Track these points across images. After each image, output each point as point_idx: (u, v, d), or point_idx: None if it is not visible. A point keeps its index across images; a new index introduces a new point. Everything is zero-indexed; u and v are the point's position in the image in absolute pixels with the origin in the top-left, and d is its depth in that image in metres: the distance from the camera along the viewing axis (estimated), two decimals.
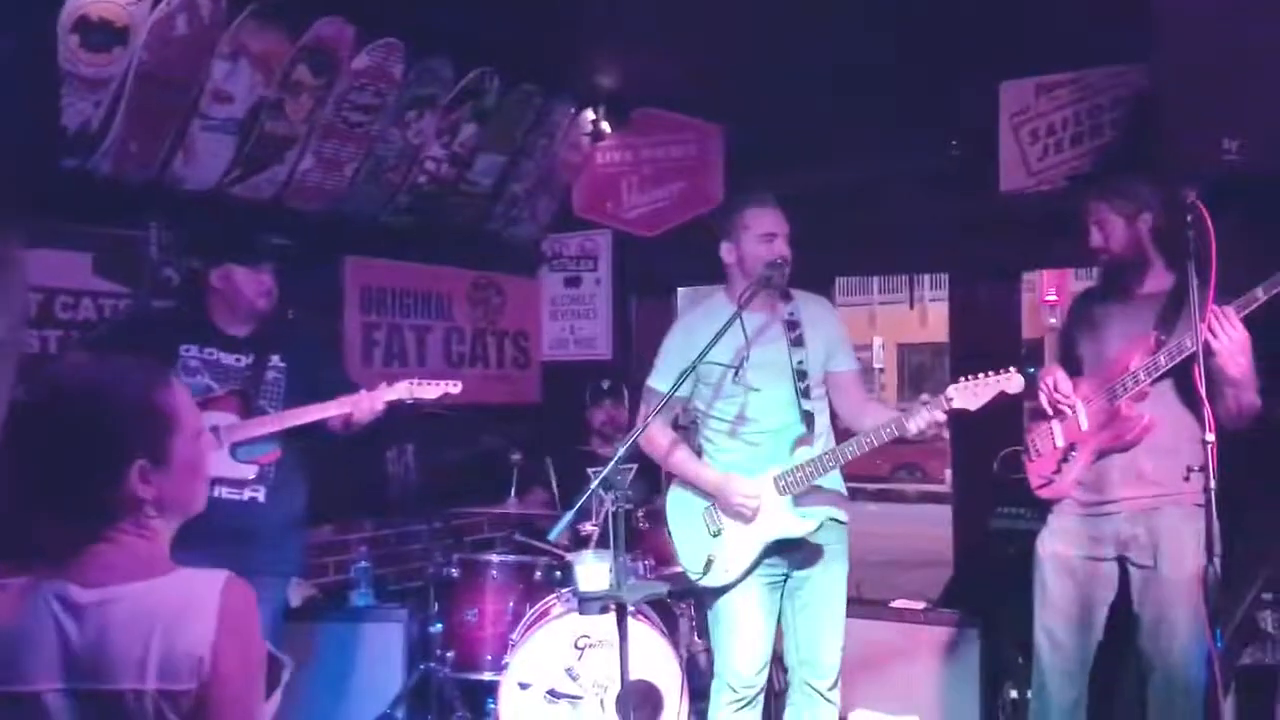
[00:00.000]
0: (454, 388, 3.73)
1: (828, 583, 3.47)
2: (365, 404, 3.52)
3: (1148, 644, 3.32)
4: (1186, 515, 3.25)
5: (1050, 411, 3.49)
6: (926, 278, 22.63)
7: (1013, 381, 3.14)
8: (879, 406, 3.47)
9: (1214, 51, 3.72)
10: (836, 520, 3.47)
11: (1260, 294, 3.04)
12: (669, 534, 3.54)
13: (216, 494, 3.38)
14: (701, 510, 3.46)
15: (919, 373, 24.54)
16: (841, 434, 3.51)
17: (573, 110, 5.74)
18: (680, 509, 3.53)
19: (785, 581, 3.48)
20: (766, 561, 3.41)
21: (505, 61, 5.09)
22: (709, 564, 3.39)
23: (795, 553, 3.43)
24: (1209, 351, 2.99)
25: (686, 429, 3.78)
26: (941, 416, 3.14)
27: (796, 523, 3.35)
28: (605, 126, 5.85)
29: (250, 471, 3.45)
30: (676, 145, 5.86)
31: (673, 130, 5.87)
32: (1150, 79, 4.27)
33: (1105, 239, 3.38)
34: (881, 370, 24.73)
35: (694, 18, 4.41)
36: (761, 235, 3.40)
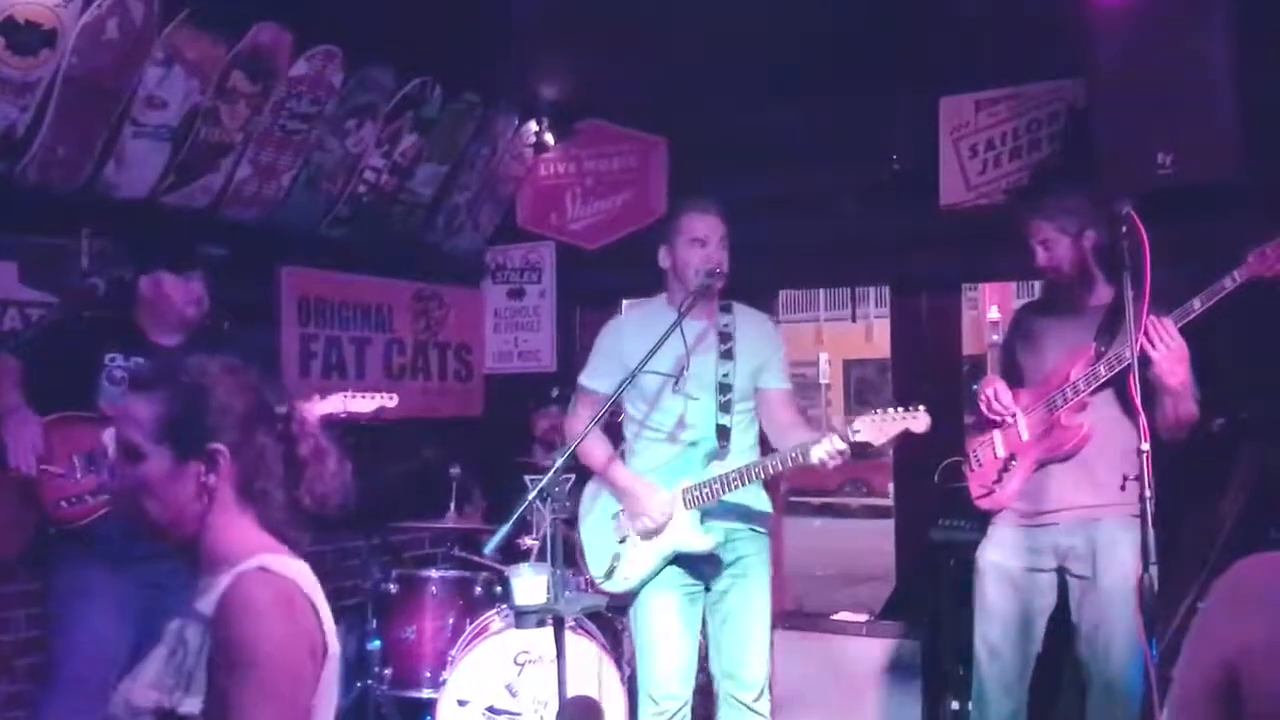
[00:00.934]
0: (389, 401, 3.68)
1: (747, 595, 3.45)
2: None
3: (1086, 653, 3.34)
4: (1124, 525, 3.27)
5: (990, 422, 3.51)
6: (872, 295, 22.88)
7: (919, 421, 3.10)
8: (805, 430, 3.41)
9: (1147, 66, 3.78)
10: (755, 530, 3.46)
11: (1197, 305, 3.09)
12: (579, 533, 3.54)
13: None
14: (611, 515, 3.46)
15: (864, 388, 24.69)
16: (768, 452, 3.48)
17: (515, 121, 5.71)
18: (593, 511, 3.53)
19: (705, 594, 3.46)
20: (680, 572, 3.40)
21: (447, 71, 5.05)
22: (611, 569, 3.41)
23: (709, 563, 3.41)
24: (1147, 361, 3.03)
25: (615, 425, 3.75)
26: (843, 447, 3.10)
27: (697, 537, 3.35)
28: (549, 138, 5.82)
29: None
30: (619, 157, 5.84)
31: (616, 142, 5.85)
32: (1086, 94, 4.32)
33: (1051, 258, 3.39)
34: (828, 386, 24.88)
35: (636, 29, 4.40)
36: (692, 239, 3.38)
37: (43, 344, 3.48)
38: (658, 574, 3.38)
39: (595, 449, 3.44)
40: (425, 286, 5.85)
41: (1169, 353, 3.04)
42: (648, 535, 3.35)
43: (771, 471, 3.27)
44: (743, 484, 3.29)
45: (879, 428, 3.11)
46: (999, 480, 3.49)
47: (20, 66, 3.69)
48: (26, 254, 4.05)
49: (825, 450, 3.10)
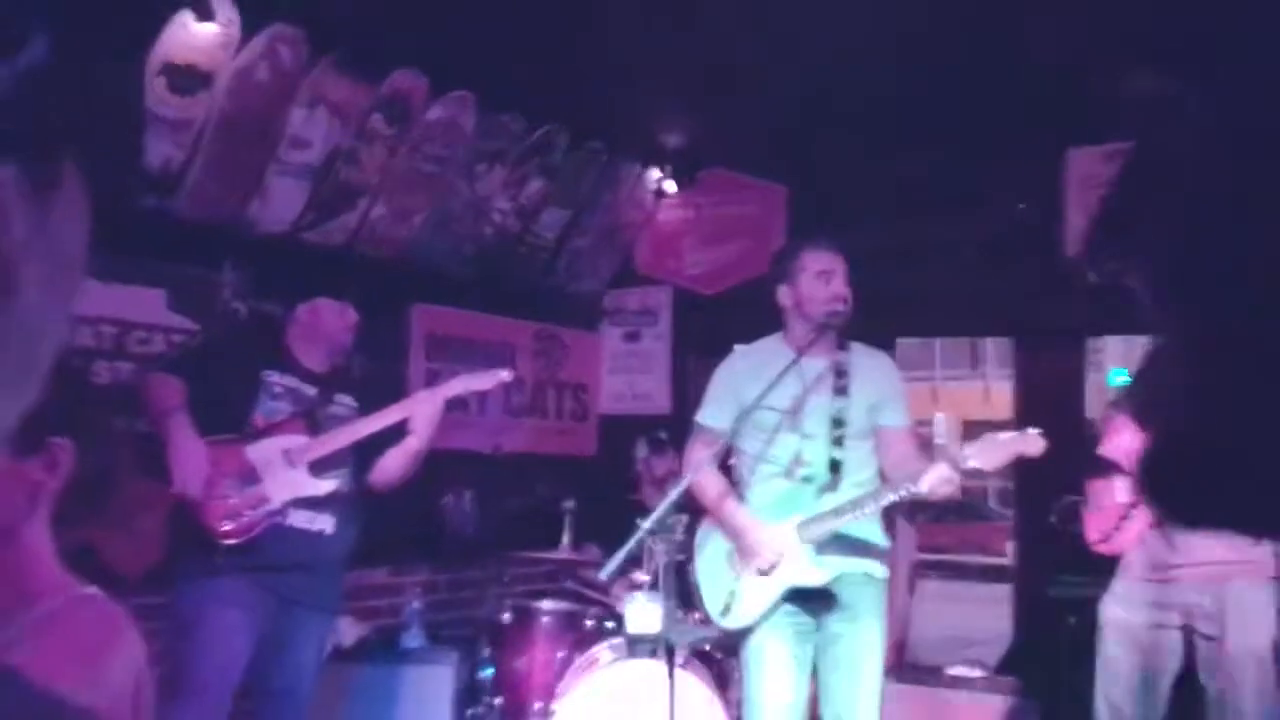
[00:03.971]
0: (507, 375, 3.74)
1: (858, 640, 3.37)
2: (425, 404, 3.53)
3: (1215, 718, 3.23)
4: (1257, 585, 3.18)
5: (1109, 465, 3.45)
6: (990, 355, 22.50)
7: (1032, 443, 3.03)
8: (920, 463, 3.32)
9: None
10: (869, 575, 3.39)
11: None
12: (695, 572, 3.51)
13: (290, 522, 3.40)
14: (726, 553, 3.43)
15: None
16: None
17: (638, 168, 5.82)
18: (708, 550, 3.51)
19: (816, 634, 3.41)
20: (791, 609, 3.34)
21: (573, 118, 5.20)
22: (727, 606, 3.37)
23: (821, 603, 3.36)
24: None
25: (729, 466, 3.75)
26: (953, 474, 3.04)
27: (812, 572, 3.29)
28: (670, 185, 5.91)
29: (329, 486, 3.43)
30: (739, 204, 5.91)
31: (736, 189, 5.92)
32: None
33: None
34: (943, 446, 24.43)
35: (759, 77, 4.46)
36: (818, 273, 3.37)
37: (201, 362, 3.54)
38: (774, 610, 3.34)
39: (710, 484, 3.44)
40: (545, 327, 5.97)
41: None
42: (762, 573, 3.34)
43: (884, 501, 3.20)
44: (855, 515, 3.24)
45: (991, 452, 3.04)
46: (1118, 527, 3.41)
47: (178, 106, 3.93)
48: (175, 282, 4.27)
49: (936, 477, 3.04)
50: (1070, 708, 3.96)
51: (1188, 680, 3.34)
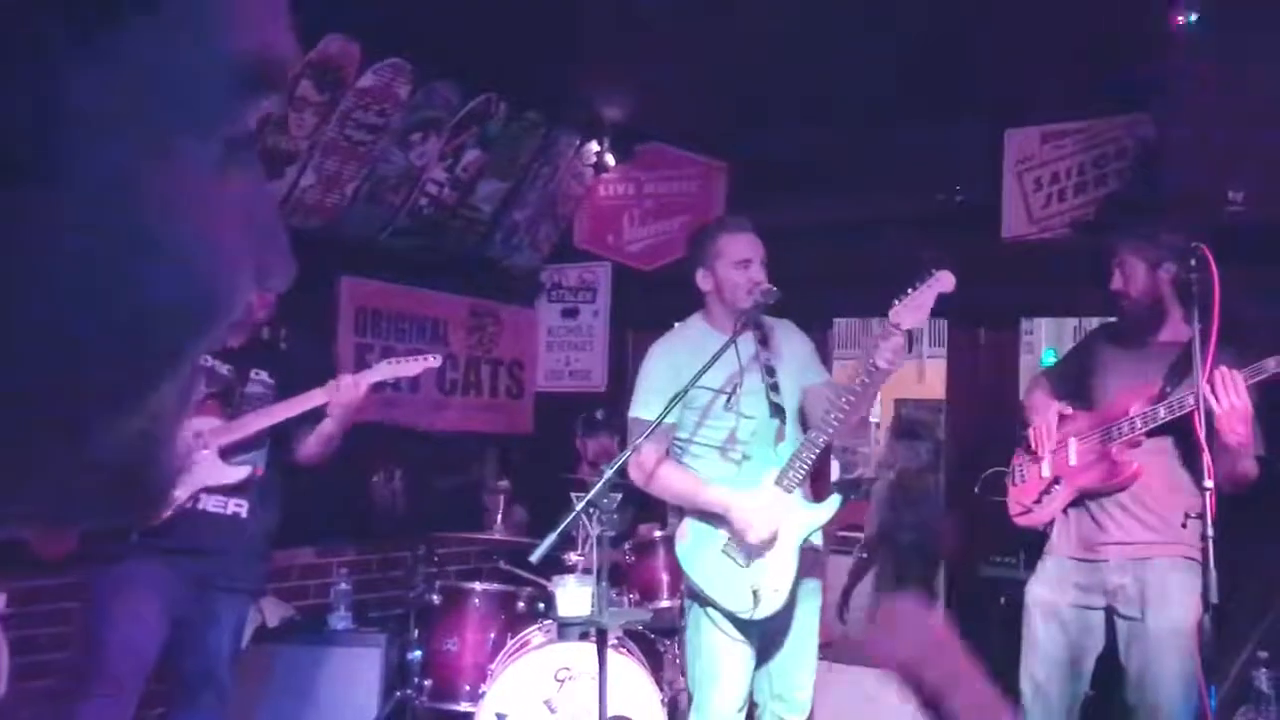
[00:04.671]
0: (435, 361, 3.66)
1: (801, 616, 3.36)
2: (348, 388, 3.41)
3: (1134, 699, 3.26)
4: (1176, 566, 3.21)
5: (1032, 449, 3.48)
6: (925, 334, 22.79)
7: (943, 279, 3.07)
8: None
9: (1220, 102, 3.72)
10: (814, 548, 3.38)
11: (1271, 365, 2.99)
12: (698, 585, 3.33)
13: (201, 506, 3.32)
14: (720, 548, 3.29)
15: (915, 428, 24.45)
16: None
17: (577, 141, 5.74)
18: (698, 555, 3.34)
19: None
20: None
21: (512, 88, 5.10)
22: (755, 595, 3.21)
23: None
24: (1208, 410, 2.96)
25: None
26: (898, 338, 3.06)
27: (817, 512, 3.28)
28: (609, 159, 5.84)
29: (241, 474, 3.36)
30: (679, 180, 5.85)
31: (676, 165, 5.86)
32: (1156, 129, 4.26)
33: (1125, 283, 3.33)
34: (877, 425, 24.68)
35: (700, 54, 4.41)
36: (736, 261, 3.32)
37: None
38: (799, 574, 3.27)
39: (675, 477, 3.33)
40: (481, 303, 5.88)
41: (1231, 410, 2.96)
42: (765, 545, 3.22)
43: (846, 406, 3.16)
44: (824, 439, 3.22)
45: (915, 305, 3.07)
46: (1039, 500, 3.44)
47: None
48: None
49: (886, 349, 3.06)
50: (1000, 686, 3.99)
51: (1109, 659, 3.37)
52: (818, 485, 3.39)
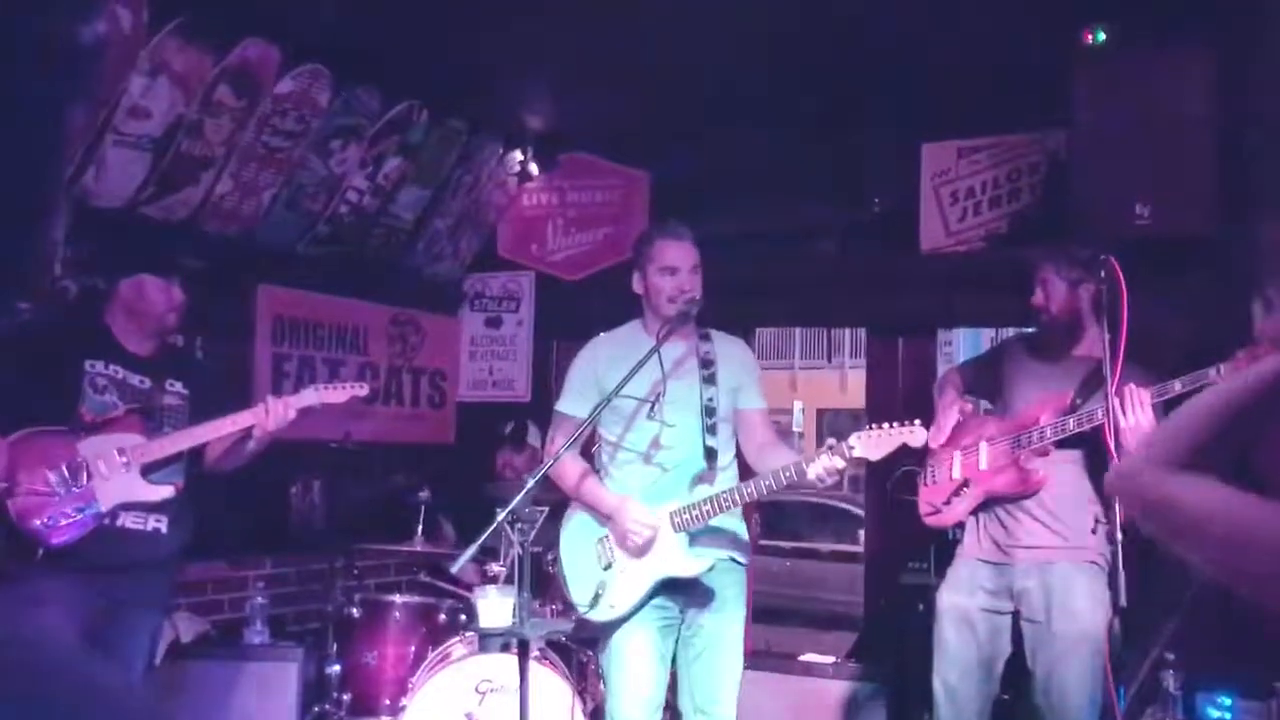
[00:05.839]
0: (360, 390, 3.63)
1: (723, 628, 3.38)
2: (277, 411, 3.37)
3: (1041, 701, 3.34)
4: (1080, 570, 3.29)
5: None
6: (847, 344, 23.08)
7: (916, 435, 3.06)
8: (784, 449, 3.37)
9: (1127, 118, 3.83)
10: (735, 561, 3.40)
11: (1177, 387, 3.08)
12: (560, 563, 3.43)
13: (120, 523, 3.24)
14: (595, 541, 3.36)
15: (837, 437, 24.68)
16: (746, 474, 3.44)
17: (500, 149, 5.71)
18: (574, 539, 3.42)
19: (680, 625, 3.39)
20: (658, 603, 3.32)
21: (434, 96, 5.06)
22: (596, 597, 3.28)
23: (688, 594, 3.34)
24: (1116, 424, 3.04)
25: (591, 455, 3.70)
26: (841, 464, 3.03)
27: (689, 562, 3.26)
28: (533, 168, 5.82)
29: (164, 493, 3.29)
30: (602, 190, 5.86)
31: (599, 175, 5.87)
32: (1067, 144, 4.37)
33: (1046, 299, 3.42)
34: (801, 435, 24.92)
35: (622, 64, 4.41)
36: (663, 268, 3.34)
37: (15, 349, 3.31)
38: (646, 602, 3.29)
39: (571, 469, 3.38)
40: (402, 311, 5.82)
41: (1136, 425, 3.04)
42: (637, 554, 3.26)
43: (765, 490, 3.17)
44: (734, 506, 3.23)
45: (875, 442, 3.04)
46: (948, 502, 3.51)
47: None
48: None
49: (823, 466, 3.02)
50: (916, 692, 4.05)
51: (1018, 661, 3.44)
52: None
